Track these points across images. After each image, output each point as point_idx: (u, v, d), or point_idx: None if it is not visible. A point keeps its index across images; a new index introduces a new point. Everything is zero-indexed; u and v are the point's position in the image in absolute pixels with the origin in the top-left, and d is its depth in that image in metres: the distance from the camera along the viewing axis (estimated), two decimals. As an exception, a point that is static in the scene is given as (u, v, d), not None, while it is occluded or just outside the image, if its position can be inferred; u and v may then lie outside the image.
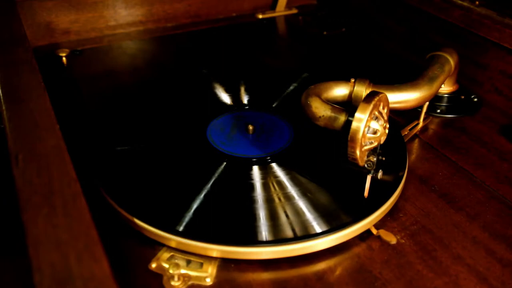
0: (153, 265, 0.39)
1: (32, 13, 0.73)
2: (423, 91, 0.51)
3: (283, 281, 0.38)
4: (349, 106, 0.49)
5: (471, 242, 0.42)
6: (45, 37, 0.75)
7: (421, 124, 0.57)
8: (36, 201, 0.31)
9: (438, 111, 0.61)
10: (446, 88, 0.61)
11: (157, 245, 0.40)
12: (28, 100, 0.42)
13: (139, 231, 0.41)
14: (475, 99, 0.63)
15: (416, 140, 0.56)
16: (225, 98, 0.59)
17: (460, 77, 0.63)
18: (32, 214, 0.30)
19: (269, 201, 0.43)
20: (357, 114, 0.40)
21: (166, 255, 0.39)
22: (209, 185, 0.45)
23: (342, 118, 0.43)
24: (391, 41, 0.78)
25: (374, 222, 0.43)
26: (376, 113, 0.42)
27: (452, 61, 0.55)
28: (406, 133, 0.56)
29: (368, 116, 0.40)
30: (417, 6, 0.73)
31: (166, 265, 0.39)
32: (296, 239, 0.39)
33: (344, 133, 0.41)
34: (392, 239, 0.42)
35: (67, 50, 0.72)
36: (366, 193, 0.44)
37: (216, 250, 0.39)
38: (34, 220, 0.30)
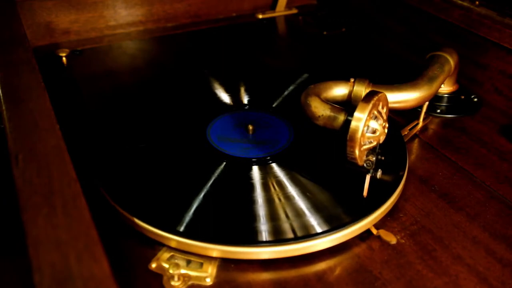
0: (153, 265, 0.39)
1: (32, 13, 0.73)
2: (422, 91, 0.51)
3: (283, 281, 0.38)
4: (349, 106, 0.49)
5: (471, 242, 0.42)
6: (45, 37, 0.75)
7: (421, 124, 0.57)
8: (36, 201, 0.31)
9: (438, 111, 0.61)
10: (446, 88, 0.61)
11: (157, 245, 0.40)
12: (28, 100, 0.42)
13: (139, 231, 0.41)
14: (475, 99, 0.63)
15: (416, 140, 0.56)
16: (225, 98, 0.59)
17: (460, 77, 0.63)
18: (32, 214, 0.30)
19: (269, 201, 0.43)
20: (356, 114, 0.40)
21: (166, 255, 0.39)
22: (209, 185, 0.45)
23: (341, 117, 0.43)
24: (391, 41, 0.78)
25: (374, 222, 0.43)
26: (375, 112, 0.42)
27: (452, 61, 0.55)
28: (406, 133, 0.56)
29: (367, 116, 0.40)
30: (417, 6, 0.73)
31: (166, 265, 0.39)
32: (296, 239, 0.39)
33: (343, 133, 0.41)
34: (392, 239, 0.42)
35: (67, 50, 0.72)
36: (365, 193, 0.44)
37: (216, 250, 0.39)
38: (34, 220, 0.30)
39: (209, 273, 0.38)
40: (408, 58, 0.74)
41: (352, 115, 0.41)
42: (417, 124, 0.58)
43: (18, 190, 0.32)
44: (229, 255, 0.39)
